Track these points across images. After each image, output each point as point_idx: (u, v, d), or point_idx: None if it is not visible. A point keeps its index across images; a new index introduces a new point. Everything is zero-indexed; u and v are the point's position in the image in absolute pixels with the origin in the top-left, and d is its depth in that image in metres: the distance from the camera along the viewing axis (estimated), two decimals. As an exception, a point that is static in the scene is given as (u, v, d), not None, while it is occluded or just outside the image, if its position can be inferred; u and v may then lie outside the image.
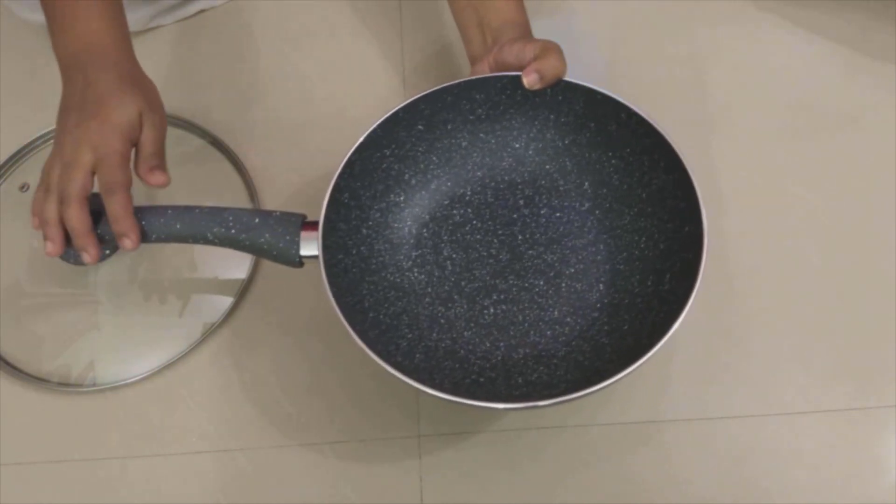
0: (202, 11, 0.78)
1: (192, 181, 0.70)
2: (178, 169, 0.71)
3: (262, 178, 0.69)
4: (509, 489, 0.58)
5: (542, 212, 0.61)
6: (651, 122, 0.55)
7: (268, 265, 0.66)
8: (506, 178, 0.62)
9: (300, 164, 0.70)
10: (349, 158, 0.56)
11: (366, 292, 0.57)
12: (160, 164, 0.56)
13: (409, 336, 0.57)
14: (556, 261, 0.59)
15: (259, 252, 0.55)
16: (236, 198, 0.69)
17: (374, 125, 0.57)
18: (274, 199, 0.69)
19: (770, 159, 0.68)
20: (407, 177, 0.61)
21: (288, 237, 0.54)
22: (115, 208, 0.53)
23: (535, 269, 0.59)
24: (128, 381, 0.62)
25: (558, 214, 0.60)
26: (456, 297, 0.59)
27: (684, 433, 0.59)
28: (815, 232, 0.64)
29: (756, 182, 0.67)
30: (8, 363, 0.63)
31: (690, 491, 0.57)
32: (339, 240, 0.56)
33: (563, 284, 0.58)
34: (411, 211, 0.61)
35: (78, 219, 0.53)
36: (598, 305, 0.57)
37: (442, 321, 0.58)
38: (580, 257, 0.59)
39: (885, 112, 0.68)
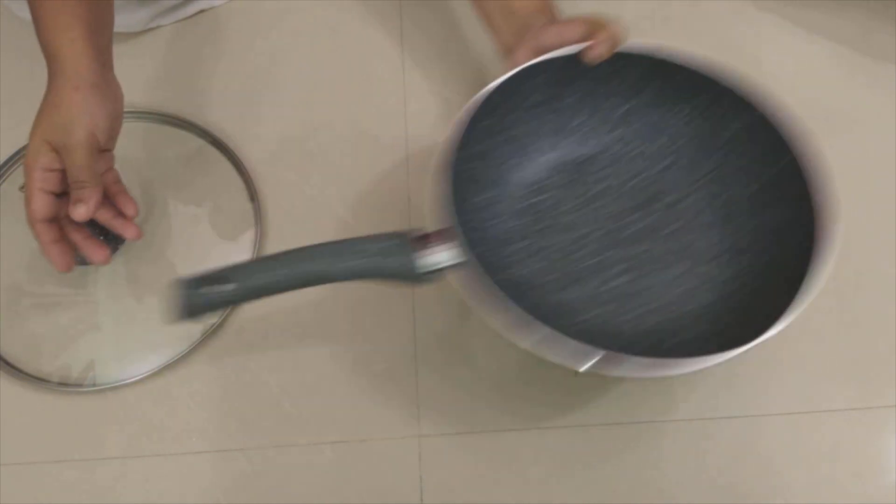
0: (202, 11, 0.78)
1: (192, 181, 0.70)
2: (179, 169, 0.71)
3: (262, 178, 0.69)
4: (509, 489, 0.58)
5: (623, 179, 0.61)
6: (716, 74, 0.55)
7: (268, 265, 0.66)
8: (576, 154, 0.62)
9: (300, 164, 0.70)
10: (440, 162, 0.54)
11: (497, 299, 0.54)
12: (83, 197, 0.56)
13: (557, 324, 0.53)
14: (657, 220, 0.59)
15: (387, 277, 0.52)
16: (236, 198, 0.69)
17: (459, 125, 0.55)
18: (274, 199, 0.69)
19: (770, 159, 0.68)
20: (483, 175, 0.60)
21: (406, 258, 0.51)
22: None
23: (639, 233, 0.59)
24: (128, 381, 0.62)
25: (639, 178, 0.61)
26: (576, 279, 0.58)
27: (685, 433, 0.59)
28: (815, 232, 0.64)
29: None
30: (8, 363, 0.63)
31: (690, 491, 0.57)
32: (456, 248, 0.54)
33: (672, 241, 0.59)
34: (498, 207, 0.60)
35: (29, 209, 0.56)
36: (709, 255, 0.58)
37: (576, 305, 0.57)
38: (678, 212, 0.59)
39: (885, 112, 0.68)
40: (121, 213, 0.60)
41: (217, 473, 0.60)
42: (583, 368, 0.48)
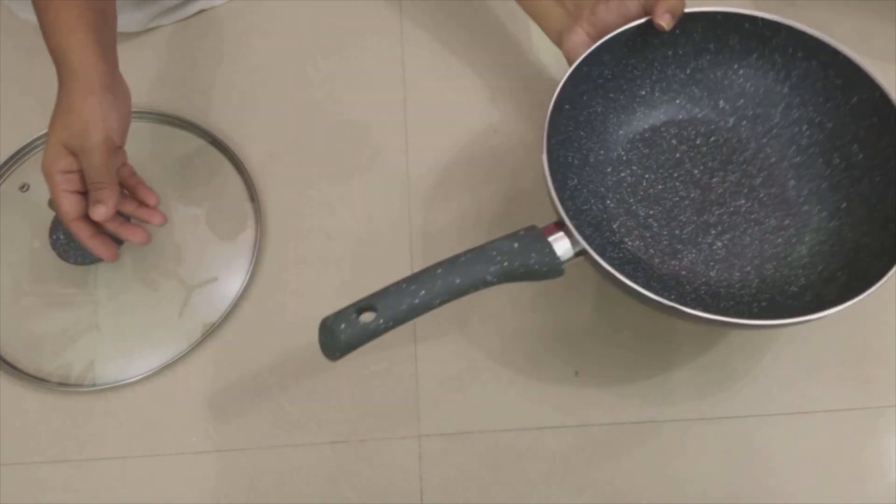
0: (202, 11, 0.78)
1: (193, 181, 0.70)
2: (179, 169, 0.71)
3: (262, 178, 0.69)
4: (509, 489, 0.58)
5: (697, 142, 0.62)
6: (779, 20, 0.57)
7: (268, 265, 0.66)
8: (644, 126, 0.63)
9: (300, 163, 0.70)
10: (548, 157, 0.54)
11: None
12: (101, 198, 0.56)
13: (673, 296, 0.52)
14: (741, 178, 0.61)
15: (531, 276, 0.51)
16: (236, 198, 0.69)
17: (553, 114, 0.55)
18: (274, 199, 0.69)
19: (770, 159, 0.68)
20: (570, 159, 0.60)
21: (539, 253, 0.51)
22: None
23: (728, 192, 0.60)
24: (128, 381, 0.62)
25: (713, 139, 0.62)
26: (679, 246, 0.59)
27: (684, 433, 0.59)
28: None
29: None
30: (8, 363, 0.63)
31: (690, 491, 0.57)
32: (564, 237, 0.53)
33: (761, 194, 0.60)
34: (588, 189, 0.61)
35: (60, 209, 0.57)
36: (801, 199, 0.59)
37: (684, 273, 0.58)
38: (757, 167, 0.61)
39: (885, 112, 0.68)
40: (143, 204, 0.61)
41: (217, 473, 0.60)
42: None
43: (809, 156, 0.60)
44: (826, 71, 0.58)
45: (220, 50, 0.76)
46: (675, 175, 0.61)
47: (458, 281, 0.50)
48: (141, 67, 0.75)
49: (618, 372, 0.61)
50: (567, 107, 0.58)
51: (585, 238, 0.51)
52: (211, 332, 0.64)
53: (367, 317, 0.49)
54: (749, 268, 0.58)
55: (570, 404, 0.60)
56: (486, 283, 0.50)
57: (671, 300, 0.48)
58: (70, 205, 0.56)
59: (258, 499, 0.59)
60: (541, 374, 0.61)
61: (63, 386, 0.62)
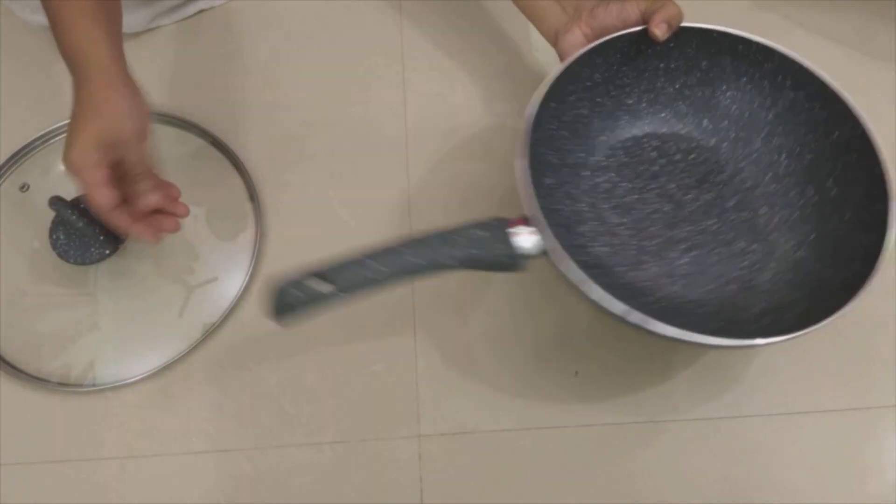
0: (202, 11, 0.78)
1: (193, 181, 0.70)
2: (178, 169, 0.71)
3: (262, 178, 0.69)
4: (509, 489, 0.58)
5: (677, 157, 0.62)
6: (773, 46, 0.57)
7: (268, 265, 0.66)
8: (627, 135, 0.63)
9: (300, 163, 0.70)
10: (531, 153, 0.53)
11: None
12: (149, 187, 0.57)
13: (636, 305, 0.52)
14: (714, 198, 0.60)
15: (488, 266, 0.51)
16: (236, 198, 0.69)
17: (533, 108, 0.54)
18: (274, 199, 0.69)
19: (770, 159, 0.68)
20: (549, 157, 0.59)
21: (503, 244, 0.51)
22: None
23: (701, 211, 0.60)
24: (128, 381, 0.62)
25: (693, 156, 0.62)
26: (645, 257, 0.58)
27: (684, 433, 0.59)
28: (815, 232, 0.64)
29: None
30: (8, 363, 0.63)
31: (690, 491, 0.57)
32: (535, 232, 0.53)
33: (732, 217, 0.60)
34: (564, 189, 0.61)
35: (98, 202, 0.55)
36: (770, 226, 0.59)
37: (646, 284, 0.58)
38: (732, 189, 0.61)
39: (885, 112, 0.68)
40: (168, 195, 0.61)
41: (217, 473, 0.60)
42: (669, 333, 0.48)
43: (785, 185, 0.60)
44: (812, 103, 0.58)
45: (220, 50, 0.76)
46: (651, 187, 0.61)
47: (416, 261, 0.50)
48: (141, 67, 0.74)
49: (618, 372, 0.61)
50: (553, 104, 0.57)
51: (553, 237, 0.50)
52: (211, 332, 0.64)
53: (320, 285, 0.49)
54: (712, 287, 0.57)
55: (570, 404, 0.60)
56: (445, 267, 0.50)
57: (628, 307, 0.48)
58: (106, 198, 0.56)
59: (258, 499, 0.59)
60: (541, 374, 0.61)
61: (63, 386, 0.62)
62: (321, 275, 0.49)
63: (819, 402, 0.59)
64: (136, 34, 0.77)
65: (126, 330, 0.64)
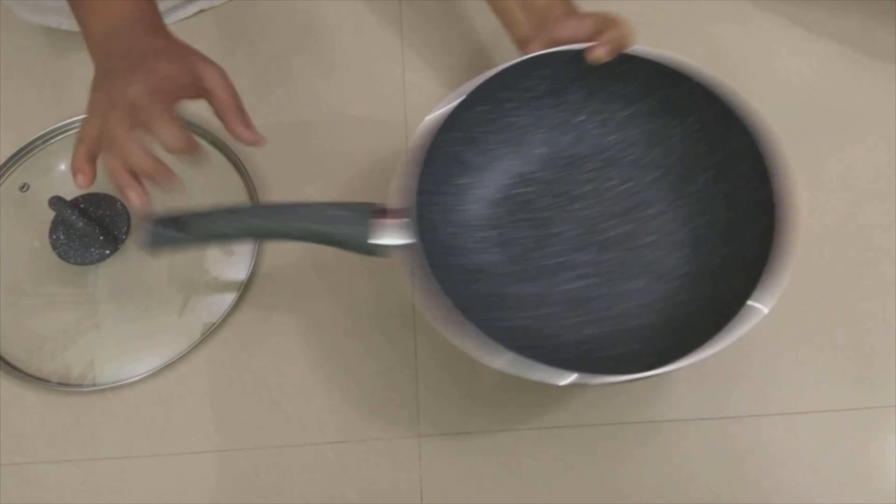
0: (202, 11, 0.78)
1: (193, 181, 0.69)
2: (178, 169, 0.71)
3: (262, 178, 0.69)
4: (509, 489, 0.58)
5: (610, 184, 0.60)
6: (720, 92, 0.54)
7: (267, 265, 0.66)
8: (569, 152, 0.61)
9: (300, 164, 0.70)
10: (427, 147, 0.54)
11: (444, 279, 0.54)
12: (248, 120, 0.55)
13: (500, 316, 0.55)
14: (631, 231, 0.58)
15: (335, 243, 0.54)
16: (236, 197, 0.69)
17: (445, 110, 0.55)
18: (274, 200, 0.68)
19: (770, 159, 0.68)
20: (471, 158, 0.60)
21: (362, 228, 0.52)
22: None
23: (610, 241, 0.58)
24: (128, 381, 0.62)
25: (627, 185, 0.60)
26: (536, 274, 0.58)
27: (684, 433, 0.59)
28: (814, 231, 0.64)
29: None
30: (8, 363, 0.63)
31: (690, 491, 0.57)
32: (411, 225, 0.54)
33: (641, 254, 0.58)
34: (478, 192, 0.60)
35: (174, 133, 0.50)
36: (680, 273, 0.56)
37: (528, 300, 0.57)
38: (655, 226, 0.58)
39: (885, 112, 0.68)
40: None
41: (217, 473, 0.60)
42: (496, 365, 0.48)
43: (701, 237, 0.57)
44: (750, 155, 0.53)
45: (221, 50, 0.76)
46: (574, 207, 0.60)
47: (265, 225, 0.54)
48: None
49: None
50: (485, 107, 0.57)
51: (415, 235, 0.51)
52: (211, 332, 0.64)
53: (178, 231, 0.54)
54: (593, 317, 0.56)
55: (570, 404, 0.60)
56: (293, 237, 0.53)
57: (486, 321, 0.48)
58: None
59: (258, 499, 0.59)
60: (541, 374, 0.61)
61: (63, 386, 0.63)
62: (178, 222, 0.54)
63: (819, 402, 0.59)
64: (136, 34, 0.77)
65: (126, 330, 0.64)
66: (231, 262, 0.66)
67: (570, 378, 0.47)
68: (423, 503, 0.58)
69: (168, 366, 0.63)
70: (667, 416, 0.59)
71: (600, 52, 0.55)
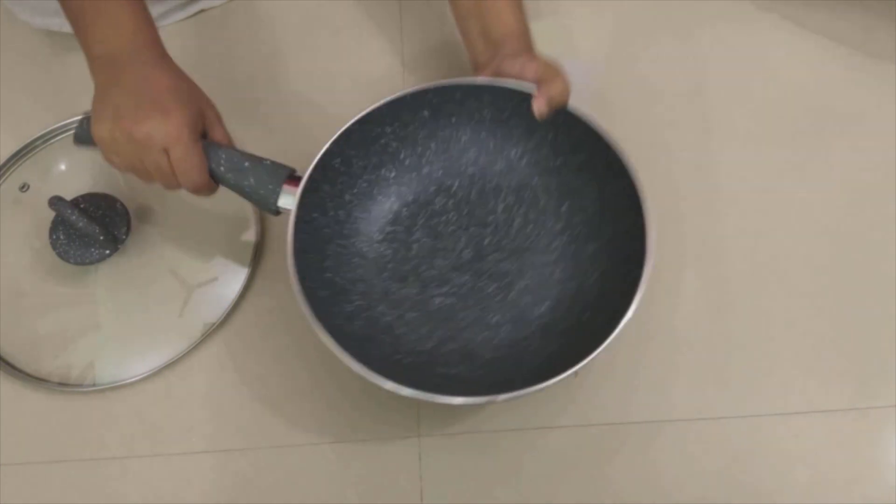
0: (202, 11, 0.78)
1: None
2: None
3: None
4: (509, 489, 0.58)
5: (516, 221, 0.62)
6: (631, 172, 0.55)
7: (268, 264, 0.66)
8: (494, 180, 0.63)
9: (300, 164, 0.70)
10: (348, 128, 0.58)
11: (330, 253, 0.59)
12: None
13: (358, 303, 0.59)
14: (514, 270, 0.60)
15: (242, 193, 0.57)
16: (236, 197, 0.68)
17: (380, 103, 0.59)
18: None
19: (770, 159, 0.68)
20: (402, 156, 0.62)
21: (271, 186, 0.56)
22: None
23: (492, 272, 0.60)
24: (128, 381, 0.62)
25: (530, 227, 0.61)
26: (412, 278, 0.60)
27: (684, 433, 0.59)
28: (815, 232, 0.64)
29: (756, 182, 0.67)
30: (8, 363, 0.63)
31: (690, 491, 0.57)
32: (320, 200, 0.58)
33: (512, 294, 0.60)
34: (398, 189, 0.63)
35: (200, 179, 0.56)
36: (537, 322, 0.58)
37: (392, 297, 0.60)
38: (536, 273, 0.60)
39: (885, 112, 0.68)
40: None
41: (217, 473, 0.60)
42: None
43: (578, 298, 0.58)
44: (635, 243, 0.54)
45: (220, 50, 0.77)
46: (471, 230, 0.61)
47: None
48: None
49: (618, 372, 0.61)
50: (427, 113, 0.60)
51: (350, 218, 0.59)
52: (211, 331, 0.64)
53: None
54: (438, 333, 0.58)
55: (570, 404, 0.60)
56: (216, 178, 0.56)
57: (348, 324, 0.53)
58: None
59: (258, 499, 0.59)
60: (541, 374, 0.61)
61: (63, 386, 0.63)
62: None
63: (819, 402, 0.59)
64: (137, 34, 0.77)
65: (126, 330, 0.64)
66: (231, 262, 0.66)
67: (400, 390, 0.51)
68: (423, 503, 0.58)
69: (168, 366, 0.63)
70: (667, 416, 0.59)
71: (540, 107, 0.57)
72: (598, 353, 0.50)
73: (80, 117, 0.59)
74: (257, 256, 0.66)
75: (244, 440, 0.60)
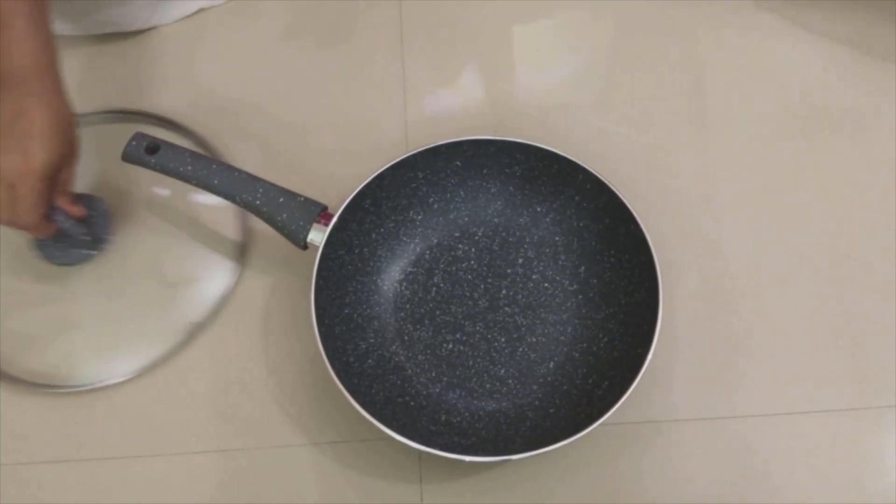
0: (202, 11, 0.78)
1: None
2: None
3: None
4: (509, 489, 0.58)
5: (534, 276, 0.63)
6: (650, 246, 0.57)
7: (255, 264, 0.66)
8: (517, 233, 0.64)
9: (298, 165, 0.70)
10: (381, 172, 0.60)
11: (351, 289, 0.61)
12: (74, 199, 0.62)
13: (372, 340, 0.61)
14: (525, 325, 0.61)
15: (274, 226, 0.59)
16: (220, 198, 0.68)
17: (415, 151, 0.61)
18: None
19: (770, 159, 0.68)
20: (431, 200, 0.64)
21: (302, 222, 0.58)
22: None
23: (504, 325, 0.62)
24: (113, 381, 0.62)
25: (546, 285, 0.63)
26: (427, 321, 0.62)
27: (684, 433, 0.59)
28: (815, 232, 0.65)
29: (756, 182, 0.67)
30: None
31: (691, 491, 0.57)
32: (347, 237, 0.60)
33: (521, 349, 0.61)
34: (423, 231, 0.65)
35: (31, 221, 0.58)
36: (541, 381, 0.60)
37: (405, 338, 0.61)
38: (546, 331, 0.61)
39: (885, 112, 0.69)
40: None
41: (217, 473, 0.60)
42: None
43: (583, 361, 0.59)
44: (645, 314, 0.56)
45: (220, 50, 0.76)
46: (490, 280, 0.63)
47: (229, 191, 0.59)
48: (141, 66, 0.75)
49: (618, 372, 0.61)
50: (459, 163, 0.62)
51: (374, 256, 0.62)
52: (209, 331, 0.63)
53: (149, 155, 0.60)
54: (445, 379, 0.60)
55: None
56: (249, 209, 0.59)
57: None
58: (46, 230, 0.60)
59: (258, 499, 0.59)
60: (541, 374, 0.61)
61: (49, 387, 0.62)
62: (151, 145, 0.60)
63: (819, 402, 0.59)
64: (136, 33, 0.77)
65: (111, 330, 0.64)
66: (223, 260, 0.66)
67: (413, 445, 0.53)
68: (422, 503, 0.58)
69: (153, 366, 0.62)
70: (667, 416, 0.59)
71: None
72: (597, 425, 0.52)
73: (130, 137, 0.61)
74: (243, 255, 0.66)
75: (244, 440, 0.60)
